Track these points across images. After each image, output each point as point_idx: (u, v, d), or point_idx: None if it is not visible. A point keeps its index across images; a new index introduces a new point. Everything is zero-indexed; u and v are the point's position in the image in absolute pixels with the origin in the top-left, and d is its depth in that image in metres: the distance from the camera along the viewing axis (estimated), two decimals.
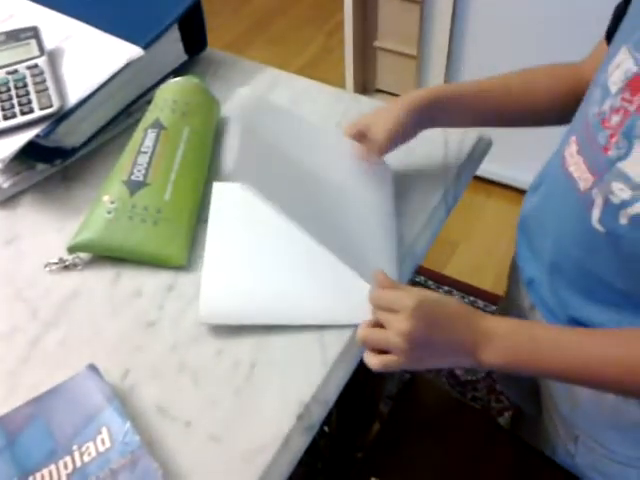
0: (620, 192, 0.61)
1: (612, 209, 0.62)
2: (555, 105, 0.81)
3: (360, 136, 0.81)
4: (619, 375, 0.61)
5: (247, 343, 0.69)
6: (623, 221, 0.62)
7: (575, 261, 0.69)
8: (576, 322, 0.74)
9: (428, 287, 1.85)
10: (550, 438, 0.91)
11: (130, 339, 0.70)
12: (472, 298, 1.81)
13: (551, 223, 0.75)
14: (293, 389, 0.65)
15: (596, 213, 0.65)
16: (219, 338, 0.69)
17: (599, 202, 0.64)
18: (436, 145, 0.90)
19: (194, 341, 0.69)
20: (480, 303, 1.80)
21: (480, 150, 0.90)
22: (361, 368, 0.69)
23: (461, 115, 0.83)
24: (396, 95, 2.28)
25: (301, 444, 0.63)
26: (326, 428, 1.19)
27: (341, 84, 2.24)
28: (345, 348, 0.68)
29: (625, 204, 0.61)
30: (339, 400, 0.67)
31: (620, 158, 0.60)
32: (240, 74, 1.02)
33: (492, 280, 1.83)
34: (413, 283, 1.78)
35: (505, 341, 0.64)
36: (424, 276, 1.87)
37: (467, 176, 0.87)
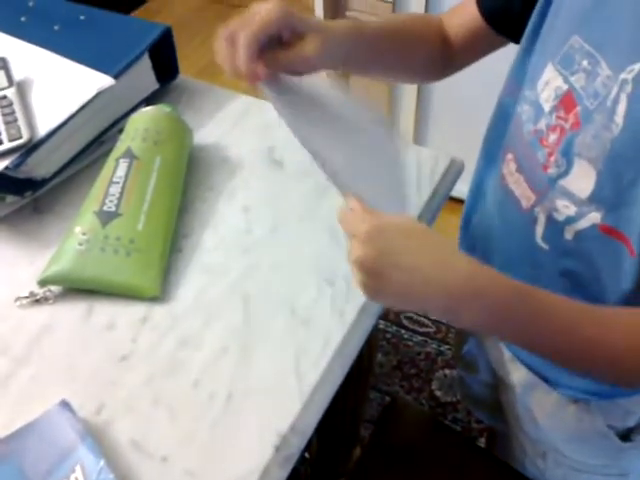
0: (564, 209, 0.61)
1: (556, 226, 0.63)
2: (430, 54, 0.77)
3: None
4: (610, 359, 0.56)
5: (223, 374, 0.68)
6: (568, 236, 0.62)
7: (523, 277, 0.57)
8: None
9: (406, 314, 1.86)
10: (520, 455, 0.91)
11: (104, 373, 0.68)
12: None
13: (496, 240, 0.76)
14: (270, 420, 0.64)
15: (539, 230, 0.66)
16: (195, 369, 0.68)
17: (542, 219, 0.65)
18: (407, 168, 0.90)
19: (169, 373, 0.68)
20: None
21: (452, 173, 0.91)
22: (340, 392, 0.68)
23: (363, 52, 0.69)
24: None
25: (280, 476, 0.62)
26: (306, 454, 1.18)
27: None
28: (322, 377, 0.68)
29: (570, 220, 0.61)
30: (319, 425, 0.66)
31: (560, 176, 0.61)
32: (212, 102, 1.02)
33: None
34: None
35: (489, 299, 0.53)
36: None
37: (440, 200, 0.88)
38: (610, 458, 0.81)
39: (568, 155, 0.59)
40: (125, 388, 0.67)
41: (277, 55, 0.59)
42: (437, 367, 1.73)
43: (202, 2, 3.10)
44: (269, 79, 0.59)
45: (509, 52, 0.74)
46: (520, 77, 0.69)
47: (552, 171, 0.61)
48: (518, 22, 0.68)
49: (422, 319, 1.82)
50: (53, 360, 0.70)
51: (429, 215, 0.85)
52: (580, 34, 0.59)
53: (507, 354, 0.82)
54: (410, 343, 1.77)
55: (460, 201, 0.89)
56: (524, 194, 0.67)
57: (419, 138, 2.02)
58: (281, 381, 0.67)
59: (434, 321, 1.82)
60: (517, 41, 0.70)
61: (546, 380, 0.77)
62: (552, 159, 0.61)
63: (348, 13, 2.00)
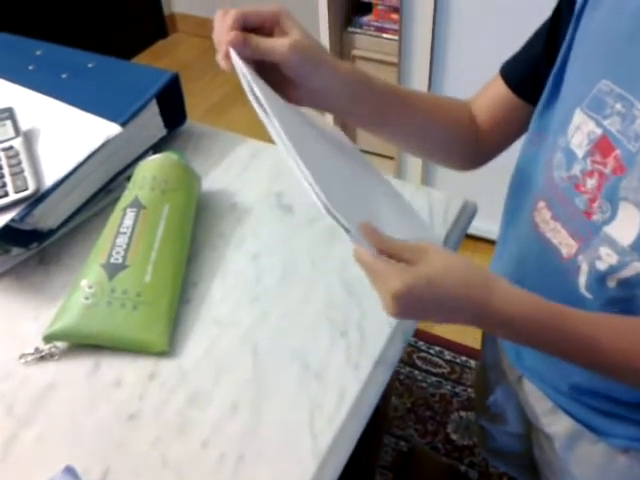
0: (607, 257, 0.59)
1: (599, 275, 0.61)
2: (455, 134, 0.75)
3: (257, 22, 0.60)
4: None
5: (234, 433, 0.65)
6: (611, 284, 0.60)
7: None
8: (580, 389, 0.72)
9: (418, 348, 1.82)
10: None
11: (110, 434, 0.66)
12: (464, 358, 1.78)
13: (533, 291, 0.74)
14: None
15: (582, 279, 0.63)
16: (204, 429, 0.66)
17: (585, 268, 0.62)
18: (420, 212, 0.88)
19: (178, 433, 0.66)
20: (472, 363, 1.77)
21: (466, 216, 0.89)
22: (356, 445, 0.65)
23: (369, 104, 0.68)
24: (376, 154, 2.28)
25: None
26: None
27: None
28: (337, 435, 0.65)
29: (613, 269, 0.59)
30: None
31: (605, 222, 0.59)
32: (221, 146, 1.01)
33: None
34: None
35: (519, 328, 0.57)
36: (414, 337, 1.84)
37: (454, 244, 0.86)
38: None
39: (613, 200, 0.57)
40: (132, 449, 0.65)
41: (253, 36, 0.59)
42: (452, 409, 1.68)
43: (207, 44, 3.12)
44: (237, 44, 0.59)
45: None
46: (544, 126, 0.67)
47: (597, 217, 0.59)
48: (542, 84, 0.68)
49: (436, 359, 1.79)
50: (58, 420, 0.67)
51: None
52: (609, 78, 0.58)
53: (548, 404, 0.79)
54: (424, 384, 1.73)
55: (470, 236, 0.87)
56: (564, 242, 0.64)
57: (427, 179, 2.01)
58: (295, 440, 0.65)
59: (448, 361, 1.78)
60: None
61: (593, 429, 0.74)
62: (595, 205, 0.59)
63: (354, 51, 2.02)
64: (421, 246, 0.55)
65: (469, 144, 0.75)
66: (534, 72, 0.70)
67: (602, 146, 0.58)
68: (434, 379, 1.75)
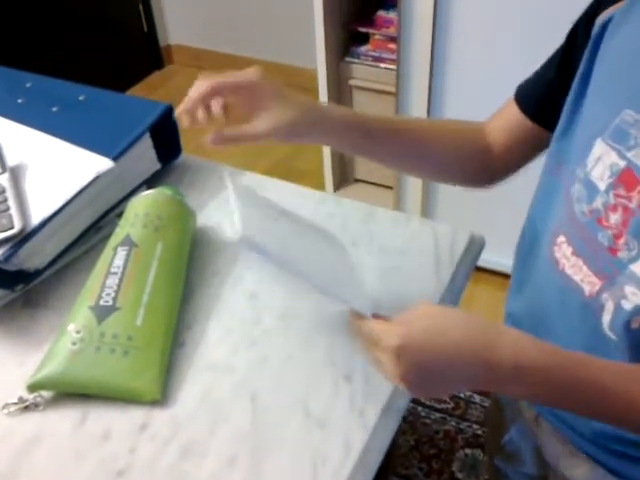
0: (633, 297, 0.56)
1: (624, 314, 0.57)
2: (460, 162, 0.77)
3: (232, 89, 0.64)
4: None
5: None
6: (635, 325, 0.57)
7: None
8: (605, 434, 0.68)
9: None
10: None
11: None
12: (468, 393, 1.73)
13: (551, 332, 0.70)
14: None
15: (607, 318, 0.60)
16: None
17: (610, 307, 0.59)
18: (426, 248, 0.85)
19: None
20: (476, 397, 1.72)
21: (474, 250, 0.85)
22: None
23: (367, 146, 0.72)
24: (375, 184, 2.27)
25: None
26: None
27: (320, 174, 2.23)
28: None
29: (637, 310, 0.56)
30: None
31: (632, 260, 0.56)
32: (216, 180, 0.98)
33: None
34: None
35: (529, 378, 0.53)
36: None
37: (462, 280, 0.82)
38: None
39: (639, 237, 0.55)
40: None
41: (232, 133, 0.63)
42: (457, 446, 1.63)
43: (203, 74, 3.12)
44: (216, 142, 0.63)
45: None
46: (562, 156, 0.65)
47: (623, 255, 0.56)
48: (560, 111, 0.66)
49: None
50: (42, 476, 0.63)
51: (452, 296, 0.79)
52: (633, 107, 0.55)
53: (568, 447, 0.75)
54: (428, 421, 1.68)
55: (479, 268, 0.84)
56: (586, 280, 0.61)
57: (428, 209, 1.97)
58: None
59: (452, 397, 1.73)
60: None
61: (618, 475, 0.70)
62: (621, 242, 0.56)
63: (352, 81, 2.00)
64: (412, 306, 0.55)
65: (483, 163, 0.76)
66: (549, 97, 0.68)
67: (626, 179, 0.56)
68: (438, 415, 1.69)
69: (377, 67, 1.96)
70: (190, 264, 0.82)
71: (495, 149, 0.76)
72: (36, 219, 0.78)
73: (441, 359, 0.53)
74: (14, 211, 0.77)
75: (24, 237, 0.76)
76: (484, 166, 0.77)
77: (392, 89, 1.80)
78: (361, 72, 1.99)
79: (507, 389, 0.55)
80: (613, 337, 0.60)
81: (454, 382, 0.55)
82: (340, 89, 2.04)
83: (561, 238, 0.64)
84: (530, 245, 0.73)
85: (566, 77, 0.65)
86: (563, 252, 0.64)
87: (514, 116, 0.73)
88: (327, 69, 1.92)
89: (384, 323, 0.55)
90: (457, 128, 0.78)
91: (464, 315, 0.55)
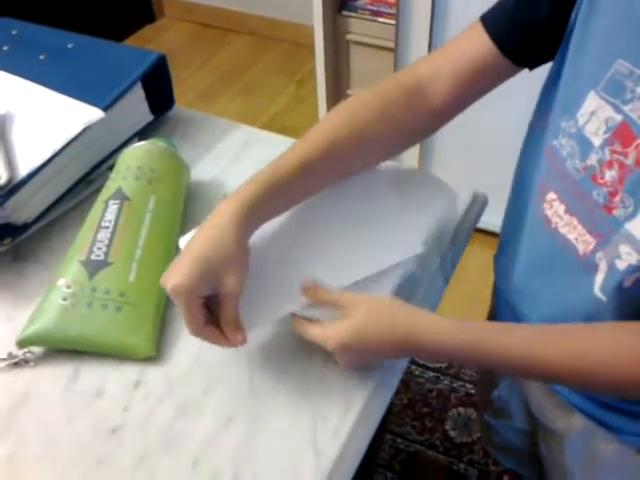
0: (627, 256, 0.55)
1: (617, 274, 0.56)
2: (395, 149, 0.71)
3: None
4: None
5: (228, 449, 0.59)
6: (627, 284, 0.56)
7: None
8: (600, 402, 0.67)
9: None
10: None
11: (90, 450, 0.60)
12: None
13: (543, 292, 0.68)
14: None
15: (599, 279, 0.58)
16: (195, 444, 0.60)
17: (603, 267, 0.58)
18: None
19: (165, 449, 0.60)
20: None
21: (476, 209, 0.83)
22: None
23: (294, 198, 0.67)
24: None
25: None
26: None
27: None
28: (342, 451, 0.59)
29: (631, 269, 0.54)
30: None
31: (627, 218, 0.54)
32: (210, 133, 0.95)
33: None
34: None
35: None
36: None
37: (464, 239, 0.80)
38: None
39: (636, 194, 0.53)
40: (115, 468, 0.58)
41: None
42: (450, 405, 1.63)
43: (196, 27, 3.05)
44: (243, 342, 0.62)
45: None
46: (547, 106, 0.62)
47: (619, 213, 0.54)
48: (540, 48, 0.62)
49: None
50: (33, 435, 0.61)
51: (452, 258, 0.77)
52: (627, 58, 0.52)
53: (555, 399, 0.74)
54: (421, 380, 1.68)
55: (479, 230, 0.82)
56: (580, 239, 0.59)
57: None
58: (296, 457, 0.59)
59: None
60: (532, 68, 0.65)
61: (606, 427, 0.70)
62: (616, 199, 0.54)
63: (349, 36, 1.95)
64: (353, 300, 0.60)
65: (424, 121, 0.70)
66: (534, 36, 0.61)
67: (622, 134, 0.53)
68: (431, 374, 1.70)
69: (375, 21, 1.90)
70: (184, 220, 0.80)
71: (441, 86, 0.67)
72: (23, 170, 0.75)
73: (367, 352, 0.60)
74: (1, 162, 0.74)
75: (11, 189, 0.73)
76: (425, 121, 0.70)
77: (391, 44, 1.75)
78: (358, 27, 1.94)
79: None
80: (603, 298, 0.59)
81: (386, 356, 0.64)
82: (337, 45, 1.99)
83: (551, 195, 0.62)
84: (518, 201, 0.71)
85: (559, 19, 0.58)
86: (555, 210, 0.62)
87: (477, 49, 0.64)
88: (323, 23, 1.87)
89: (319, 328, 0.61)
90: (374, 115, 0.67)
91: (390, 313, 0.60)
